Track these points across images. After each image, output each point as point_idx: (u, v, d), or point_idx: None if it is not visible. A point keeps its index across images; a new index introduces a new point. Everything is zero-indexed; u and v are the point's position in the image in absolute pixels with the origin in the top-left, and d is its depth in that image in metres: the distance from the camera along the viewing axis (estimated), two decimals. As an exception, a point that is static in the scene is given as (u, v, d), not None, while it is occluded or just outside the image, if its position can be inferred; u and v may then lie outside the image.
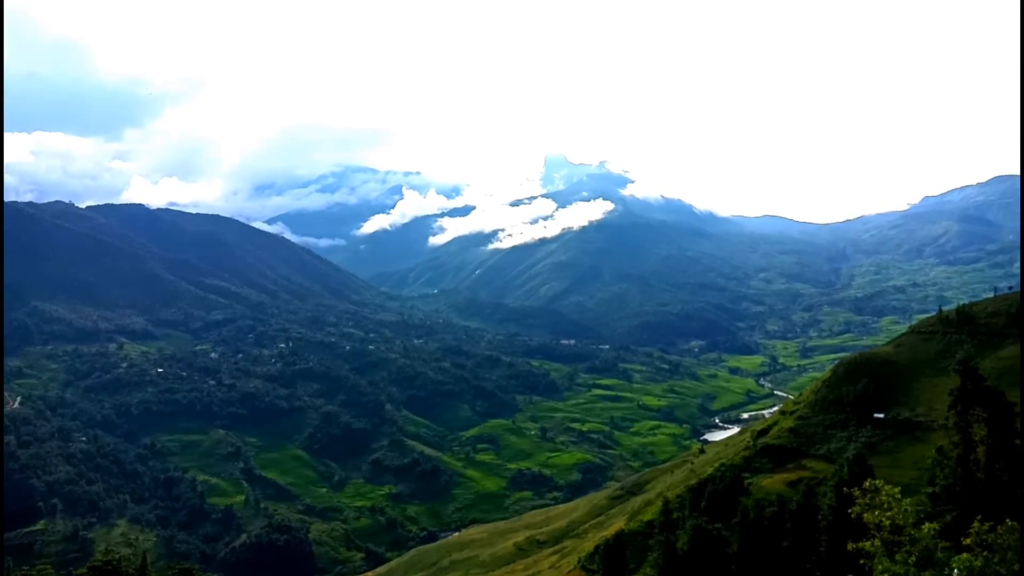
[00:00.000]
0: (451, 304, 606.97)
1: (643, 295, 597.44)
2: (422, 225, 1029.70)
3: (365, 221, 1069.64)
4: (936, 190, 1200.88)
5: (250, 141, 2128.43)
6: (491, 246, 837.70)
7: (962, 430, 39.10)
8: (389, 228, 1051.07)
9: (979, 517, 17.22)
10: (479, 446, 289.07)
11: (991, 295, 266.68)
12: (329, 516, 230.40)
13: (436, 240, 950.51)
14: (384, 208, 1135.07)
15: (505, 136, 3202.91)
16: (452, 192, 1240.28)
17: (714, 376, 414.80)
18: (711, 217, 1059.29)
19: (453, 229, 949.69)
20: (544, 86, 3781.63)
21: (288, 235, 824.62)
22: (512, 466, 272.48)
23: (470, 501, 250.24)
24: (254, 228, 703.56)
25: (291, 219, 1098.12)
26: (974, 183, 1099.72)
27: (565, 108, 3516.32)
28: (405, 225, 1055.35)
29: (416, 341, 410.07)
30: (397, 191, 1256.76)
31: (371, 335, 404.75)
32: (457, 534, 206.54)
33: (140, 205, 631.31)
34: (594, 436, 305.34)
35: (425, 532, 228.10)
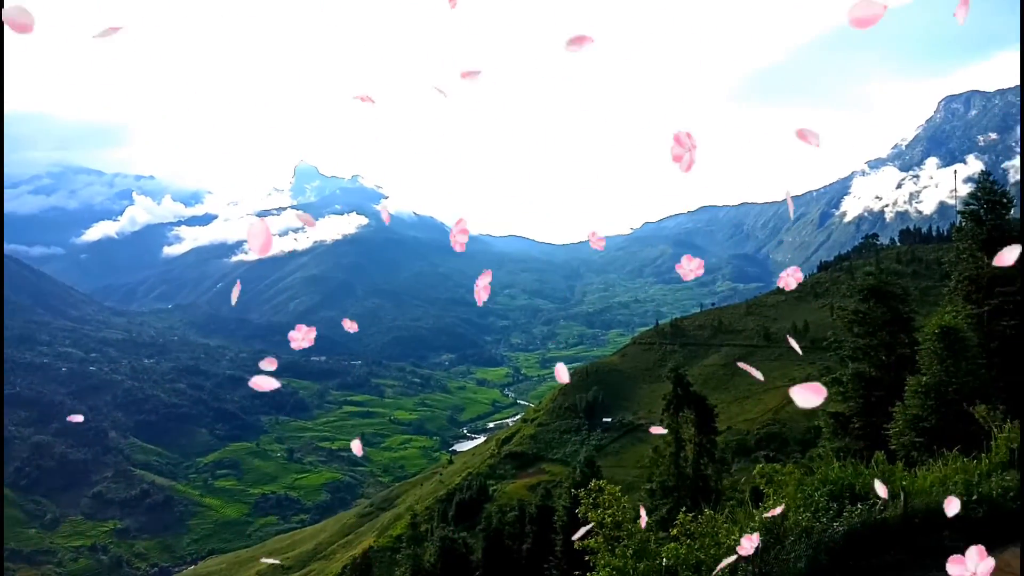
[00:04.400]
0: (189, 320, 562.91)
1: (396, 310, 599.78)
2: (156, 234, 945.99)
3: (88, 228, 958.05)
4: (655, 216, 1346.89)
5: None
6: (235, 258, 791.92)
7: (674, 431, 43.81)
8: (116, 236, 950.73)
9: (684, 508, 19.26)
10: (219, 472, 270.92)
11: (698, 311, 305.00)
12: (39, 560, 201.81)
13: (172, 250, 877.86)
14: (111, 214, 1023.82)
15: (252, 143, 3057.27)
16: (191, 199, 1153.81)
17: (463, 388, 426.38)
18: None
19: (192, 239, 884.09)
20: (297, 93, 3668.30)
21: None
22: (256, 491, 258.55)
23: (209, 531, 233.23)
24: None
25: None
26: (685, 212, 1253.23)
27: (318, 118, 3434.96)
28: (136, 233, 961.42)
29: (147, 361, 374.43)
30: (127, 196, 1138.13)
31: (93, 355, 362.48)
32: (193, 567, 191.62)
33: None
34: (344, 454, 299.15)
35: (156, 569, 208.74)
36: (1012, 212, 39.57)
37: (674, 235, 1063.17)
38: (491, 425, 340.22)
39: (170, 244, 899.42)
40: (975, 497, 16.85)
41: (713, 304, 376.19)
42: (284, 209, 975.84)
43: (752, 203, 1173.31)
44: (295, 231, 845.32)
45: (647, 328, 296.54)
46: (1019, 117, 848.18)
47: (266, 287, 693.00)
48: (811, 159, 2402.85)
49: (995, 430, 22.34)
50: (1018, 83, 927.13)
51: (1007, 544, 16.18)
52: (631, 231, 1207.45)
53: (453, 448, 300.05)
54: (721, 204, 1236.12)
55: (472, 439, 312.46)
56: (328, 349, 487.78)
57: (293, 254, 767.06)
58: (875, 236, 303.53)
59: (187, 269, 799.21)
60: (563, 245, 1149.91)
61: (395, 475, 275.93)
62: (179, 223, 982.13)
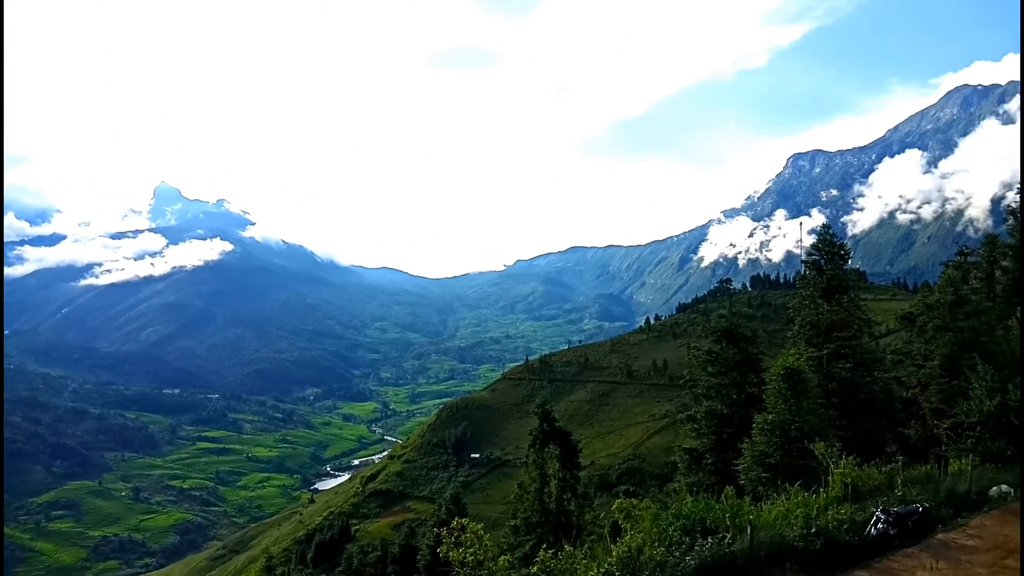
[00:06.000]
0: (27, 347, 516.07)
1: (259, 341, 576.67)
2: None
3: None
4: (527, 254, 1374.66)
5: None
6: (84, 282, 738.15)
7: (539, 466, 44.18)
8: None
9: (545, 545, 19.39)
10: (54, 513, 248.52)
11: (566, 347, 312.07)
12: None
13: (12, 271, 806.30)
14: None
15: (109, 160, 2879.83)
16: (37, 218, 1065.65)
17: (328, 424, 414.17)
18: (332, 265, 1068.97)
19: (36, 260, 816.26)
20: (161, 109, 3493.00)
21: None
22: (96, 533, 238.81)
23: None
24: None
25: None
26: (555, 251, 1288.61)
27: (182, 138, 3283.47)
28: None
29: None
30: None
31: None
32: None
33: None
34: (196, 493, 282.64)
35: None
36: (848, 263, 43.18)
37: (545, 273, 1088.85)
38: (356, 462, 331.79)
39: (10, 265, 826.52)
40: (814, 530, 17.98)
41: (580, 341, 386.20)
42: (141, 232, 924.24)
43: (618, 245, 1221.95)
44: (152, 255, 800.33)
45: (517, 363, 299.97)
46: (857, 176, 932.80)
47: (117, 314, 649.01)
48: (672, 207, 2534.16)
49: (832, 466, 24.02)
50: (856, 146, 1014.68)
51: (843, 573, 17.34)
52: (504, 268, 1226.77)
53: (315, 486, 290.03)
54: (590, 245, 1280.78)
55: (336, 477, 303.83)
56: (183, 381, 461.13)
57: (149, 279, 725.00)
58: (729, 281, 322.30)
59: (29, 292, 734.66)
60: (437, 279, 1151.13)
61: (251, 515, 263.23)
62: (22, 242, 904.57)
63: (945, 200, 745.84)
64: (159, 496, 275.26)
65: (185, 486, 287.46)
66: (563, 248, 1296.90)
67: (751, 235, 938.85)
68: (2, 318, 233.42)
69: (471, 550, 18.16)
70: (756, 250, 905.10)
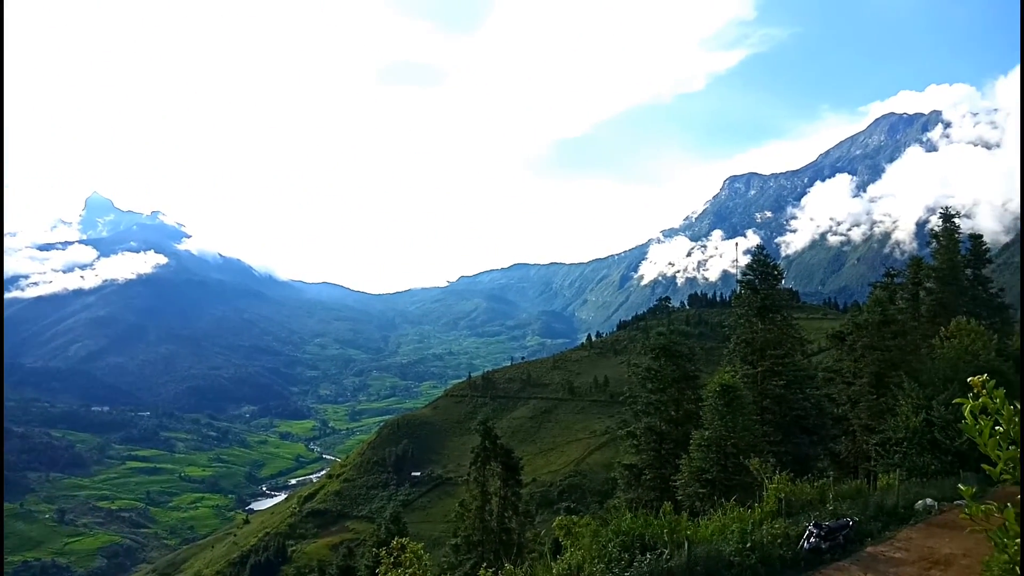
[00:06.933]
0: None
1: (194, 357, 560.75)
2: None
3: None
4: (470, 271, 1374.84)
5: None
6: (9, 295, 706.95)
7: (480, 484, 44.00)
8: None
9: (486, 563, 19.32)
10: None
11: (509, 364, 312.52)
12: None
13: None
14: None
15: (37, 168, 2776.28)
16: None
17: (264, 442, 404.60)
18: (270, 279, 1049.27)
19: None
20: (93, 116, 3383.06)
21: None
22: (16, 558, 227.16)
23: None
24: None
25: None
26: (499, 268, 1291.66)
27: (117, 147, 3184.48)
28: None
29: None
30: None
31: None
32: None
33: None
34: (126, 514, 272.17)
35: None
36: (781, 283, 44.48)
37: (488, 290, 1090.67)
38: (293, 481, 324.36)
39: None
40: (749, 544, 18.34)
41: (523, 358, 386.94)
42: (71, 243, 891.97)
43: (561, 263, 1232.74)
44: (82, 267, 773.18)
45: (460, 380, 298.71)
46: (790, 199, 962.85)
47: (44, 328, 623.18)
48: (614, 225, 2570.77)
49: (767, 481, 24.57)
50: (789, 169, 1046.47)
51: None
52: (447, 284, 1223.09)
53: (250, 507, 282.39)
54: (533, 262, 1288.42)
55: (272, 497, 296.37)
56: (112, 398, 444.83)
57: (78, 292, 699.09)
58: (667, 299, 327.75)
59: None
60: (379, 295, 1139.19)
61: (183, 537, 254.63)
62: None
63: (873, 223, 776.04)
64: (86, 518, 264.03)
65: (114, 507, 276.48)
66: (507, 265, 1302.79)
67: (689, 254, 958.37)
68: (2, 319, 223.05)
69: (410, 570, 17.98)
70: (694, 269, 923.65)
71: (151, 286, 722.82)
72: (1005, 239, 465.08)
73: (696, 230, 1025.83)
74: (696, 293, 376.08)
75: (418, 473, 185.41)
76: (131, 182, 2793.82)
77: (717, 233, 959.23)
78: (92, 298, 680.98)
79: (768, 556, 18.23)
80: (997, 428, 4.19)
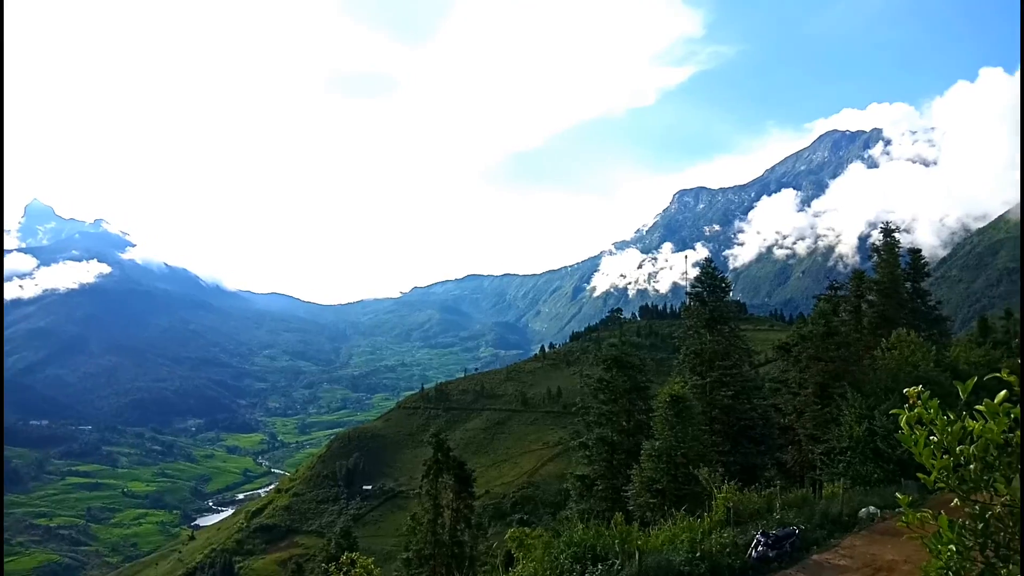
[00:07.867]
0: None
1: (138, 369, 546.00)
2: None
3: None
4: (423, 282, 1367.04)
5: None
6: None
7: (432, 497, 43.71)
8: None
9: (438, 577, 19.18)
10: None
11: (462, 375, 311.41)
12: None
13: None
14: None
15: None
16: None
17: (211, 456, 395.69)
18: (218, 290, 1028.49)
19: None
20: (34, 120, 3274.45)
21: None
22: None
23: None
24: None
25: None
26: (453, 279, 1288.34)
27: (59, 153, 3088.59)
28: None
29: None
30: None
31: None
32: None
33: None
34: (65, 532, 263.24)
35: None
36: (729, 295, 45.40)
37: (441, 301, 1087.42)
38: (241, 496, 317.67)
39: None
40: (698, 554, 18.56)
41: (477, 369, 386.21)
42: (9, 252, 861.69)
43: (514, 274, 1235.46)
44: (20, 276, 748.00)
45: (413, 392, 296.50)
46: (738, 213, 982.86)
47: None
48: (567, 237, 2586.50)
49: (715, 491, 24.92)
50: (737, 184, 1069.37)
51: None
52: (400, 295, 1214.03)
53: (196, 523, 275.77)
54: (487, 273, 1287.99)
55: (219, 512, 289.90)
56: (52, 412, 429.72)
57: (16, 302, 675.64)
58: (619, 311, 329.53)
59: None
60: (330, 305, 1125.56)
61: (126, 555, 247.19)
62: None
63: (818, 237, 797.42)
64: (22, 536, 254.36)
65: (52, 524, 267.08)
66: (460, 276, 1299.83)
67: (640, 267, 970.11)
68: (2, 318, 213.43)
69: (360, 585, 17.81)
70: (645, 281, 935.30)
71: (93, 296, 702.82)
72: (943, 253, 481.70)
73: (647, 243, 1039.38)
74: (647, 305, 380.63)
75: (369, 487, 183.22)
76: (73, 189, 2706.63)
77: (667, 246, 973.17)
78: (31, 308, 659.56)
79: (717, 565, 18.46)
80: (932, 438, 4.36)
